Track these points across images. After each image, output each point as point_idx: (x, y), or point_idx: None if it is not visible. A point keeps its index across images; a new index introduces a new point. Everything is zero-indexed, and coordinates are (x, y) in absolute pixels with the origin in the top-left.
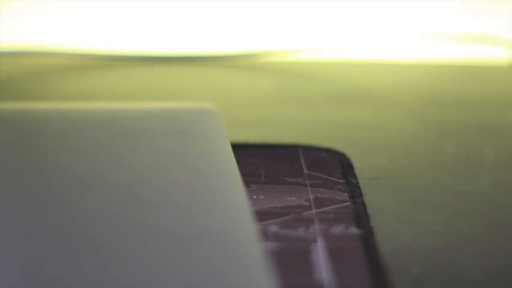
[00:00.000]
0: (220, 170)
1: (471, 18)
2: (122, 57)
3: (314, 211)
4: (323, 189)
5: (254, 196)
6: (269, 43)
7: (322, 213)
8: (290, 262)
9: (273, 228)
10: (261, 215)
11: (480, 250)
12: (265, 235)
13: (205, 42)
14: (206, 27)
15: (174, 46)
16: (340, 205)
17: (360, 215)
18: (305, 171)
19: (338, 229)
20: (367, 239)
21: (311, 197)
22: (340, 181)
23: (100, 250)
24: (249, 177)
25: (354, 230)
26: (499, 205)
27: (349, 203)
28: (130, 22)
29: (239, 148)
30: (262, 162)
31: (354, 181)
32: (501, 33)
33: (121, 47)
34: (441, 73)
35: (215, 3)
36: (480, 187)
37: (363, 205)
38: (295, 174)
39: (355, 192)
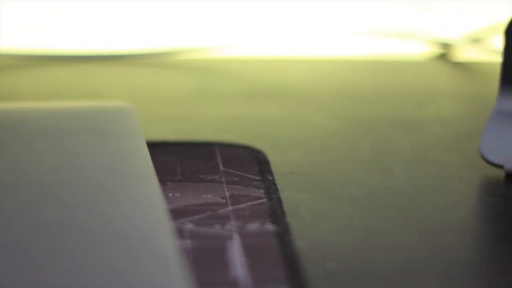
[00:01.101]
0: (135, 169)
1: (389, 14)
2: (36, 56)
3: (230, 208)
4: (239, 186)
5: (170, 194)
6: (184, 41)
7: (238, 210)
8: (206, 260)
9: (189, 226)
10: (177, 213)
11: (394, 244)
12: (181, 233)
13: (120, 41)
14: (120, 26)
15: (88, 44)
16: (256, 201)
17: (275, 211)
18: (221, 168)
19: (254, 226)
20: (283, 235)
21: (227, 194)
22: (256, 177)
23: (10, 250)
24: (165, 175)
25: (270, 226)
26: (413, 199)
27: (265, 199)
28: (45, 21)
29: (155, 146)
30: (178, 160)
31: (270, 178)
32: (418, 28)
33: (35, 46)
34: (359, 69)
35: (128, 2)
36: (394, 181)
37: (279, 201)
38: (211, 171)
39: (271, 188)
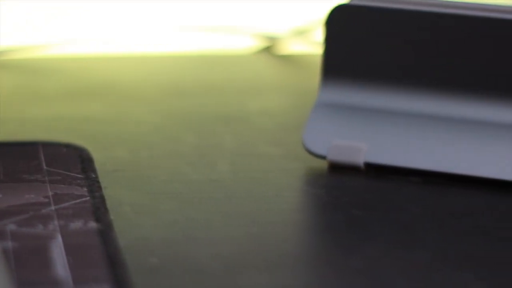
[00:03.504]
0: None
1: (214, 9)
2: None
3: (53, 207)
4: (62, 185)
5: None
6: (5, 40)
7: (61, 209)
8: (28, 260)
9: (11, 227)
10: None
11: (217, 238)
12: (3, 235)
13: None
14: None
15: None
16: (79, 200)
17: (99, 209)
18: (45, 167)
19: (77, 224)
20: (106, 233)
21: (50, 193)
22: (80, 176)
23: None
24: None
25: (93, 224)
26: (237, 192)
27: (88, 197)
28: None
29: None
30: (0, 160)
31: (93, 176)
32: (243, 22)
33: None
34: (185, 64)
35: None
36: (218, 175)
37: (102, 199)
38: (34, 171)
39: (94, 186)
